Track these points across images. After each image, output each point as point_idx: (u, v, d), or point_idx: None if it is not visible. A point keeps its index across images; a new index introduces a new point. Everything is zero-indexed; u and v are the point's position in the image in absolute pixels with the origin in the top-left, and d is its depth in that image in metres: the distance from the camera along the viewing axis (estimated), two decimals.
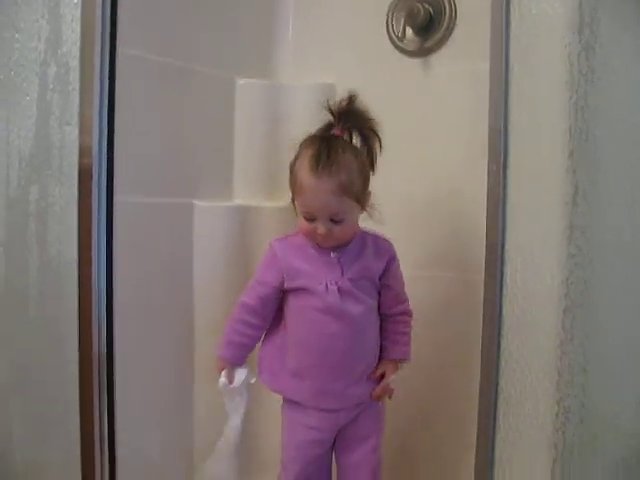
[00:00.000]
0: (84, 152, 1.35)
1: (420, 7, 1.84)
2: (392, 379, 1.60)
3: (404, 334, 1.63)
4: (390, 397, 1.63)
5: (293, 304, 1.57)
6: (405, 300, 1.64)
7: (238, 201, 2.05)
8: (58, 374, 1.41)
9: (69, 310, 1.36)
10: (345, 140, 1.54)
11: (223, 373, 1.59)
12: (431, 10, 1.85)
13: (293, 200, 1.53)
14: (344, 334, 1.52)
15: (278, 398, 1.66)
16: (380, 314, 1.62)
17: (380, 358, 1.63)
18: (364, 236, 1.58)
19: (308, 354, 1.55)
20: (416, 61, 1.91)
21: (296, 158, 1.52)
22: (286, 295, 1.59)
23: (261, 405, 1.83)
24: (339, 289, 1.52)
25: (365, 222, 1.57)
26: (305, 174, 1.47)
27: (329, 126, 1.56)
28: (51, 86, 1.37)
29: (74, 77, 1.33)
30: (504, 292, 1.28)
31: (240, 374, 1.60)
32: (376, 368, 1.61)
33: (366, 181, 1.53)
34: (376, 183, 1.56)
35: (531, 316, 1.25)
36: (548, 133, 1.21)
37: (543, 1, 1.22)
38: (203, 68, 1.96)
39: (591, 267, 1.20)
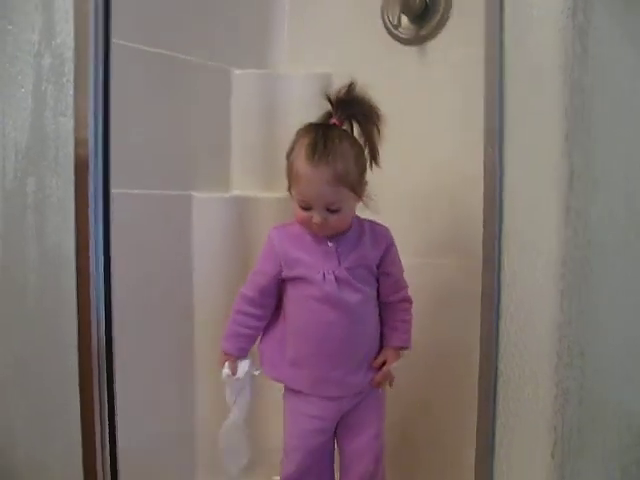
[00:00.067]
0: (80, 144, 1.34)
1: None
2: (394, 367, 1.60)
3: (403, 321, 1.64)
4: (391, 385, 1.64)
5: (291, 293, 1.58)
6: (404, 287, 1.64)
7: (236, 192, 2.06)
8: (57, 366, 1.41)
9: (68, 301, 1.36)
10: (342, 129, 1.55)
11: (226, 365, 1.61)
12: None
13: (289, 188, 1.53)
14: (342, 323, 1.53)
15: (279, 387, 1.66)
16: (379, 302, 1.62)
17: (381, 346, 1.63)
18: (362, 224, 1.58)
19: (306, 343, 1.56)
20: (412, 49, 1.91)
21: (292, 146, 1.52)
22: (284, 284, 1.60)
23: (262, 394, 1.83)
24: (336, 278, 1.52)
25: (361, 212, 1.58)
26: (301, 163, 1.47)
27: (328, 115, 1.56)
28: (46, 77, 1.37)
29: (69, 68, 1.32)
30: (502, 276, 1.27)
31: (243, 365, 1.62)
32: (377, 356, 1.62)
33: (363, 171, 1.54)
34: (374, 171, 1.56)
35: (529, 299, 1.24)
36: (543, 116, 1.21)
37: None
38: (199, 59, 1.97)
39: (588, 249, 1.20)
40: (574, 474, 1.22)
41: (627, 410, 1.27)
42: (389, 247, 1.59)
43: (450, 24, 1.82)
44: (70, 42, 1.32)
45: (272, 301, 1.63)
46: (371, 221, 1.60)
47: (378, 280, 1.61)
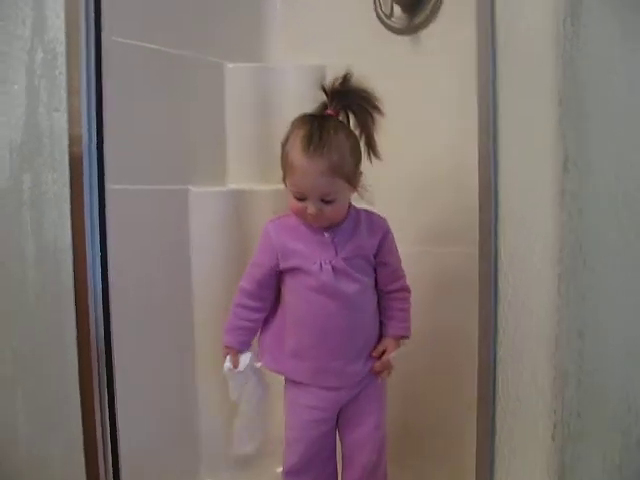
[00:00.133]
0: (74, 141, 1.35)
1: None
2: (393, 356, 1.61)
3: (402, 310, 1.64)
4: (388, 374, 1.63)
5: (289, 284, 1.58)
6: (402, 277, 1.65)
7: (232, 185, 2.06)
8: (57, 360, 1.41)
9: (66, 296, 1.37)
10: (337, 120, 1.55)
11: (227, 358, 1.61)
12: None
13: (284, 179, 1.53)
14: (340, 313, 1.53)
15: (281, 379, 1.66)
16: (378, 291, 1.63)
17: (381, 335, 1.64)
18: (358, 213, 1.59)
19: (306, 334, 1.57)
20: (405, 38, 1.91)
21: (288, 137, 1.52)
22: (282, 276, 1.60)
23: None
24: (333, 268, 1.53)
25: (357, 203, 1.58)
26: (297, 154, 1.47)
27: (323, 106, 1.56)
28: (38, 72, 1.37)
29: (61, 62, 1.33)
30: (499, 261, 1.28)
31: (244, 358, 1.62)
32: (377, 345, 1.62)
33: (358, 162, 1.54)
34: (368, 161, 1.56)
35: (526, 284, 1.25)
36: (537, 100, 1.21)
37: None
38: (193, 54, 1.97)
39: (584, 232, 1.20)
40: (574, 456, 1.23)
41: (627, 391, 1.27)
42: (386, 236, 1.59)
43: (442, 12, 1.82)
44: (62, 36, 1.32)
45: (271, 293, 1.63)
46: (367, 211, 1.60)
47: (376, 270, 1.61)
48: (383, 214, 1.62)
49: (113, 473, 1.42)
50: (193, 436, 1.99)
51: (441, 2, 1.82)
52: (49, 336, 1.43)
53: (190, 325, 1.97)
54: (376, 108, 1.55)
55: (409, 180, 1.85)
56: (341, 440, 1.67)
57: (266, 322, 1.66)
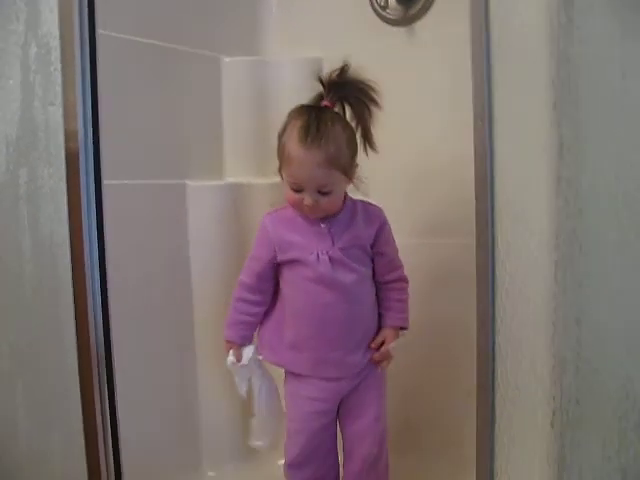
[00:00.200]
0: (70, 136, 1.35)
1: None
2: (392, 346, 1.61)
3: (399, 301, 1.64)
4: (388, 364, 1.63)
5: (287, 276, 1.59)
6: (399, 267, 1.65)
7: (230, 179, 2.06)
8: (56, 355, 1.42)
9: (64, 290, 1.37)
10: (334, 112, 1.55)
11: (230, 352, 1.62)
12: None
13: (280, 169, 1.53)
14: (338, 303, 1.54)
15: (281, 372, 1.67)
16: (375, 282, 1.63)
17: (380, 326, 1.64)
18: (354, 204, 1.59)
19: (305, 325, 1.57)
20: (401, 30, 1.91)
21: (284, 128, 1.52)
22: (280, 268, 1.60)
23: None
24: (330, 258, 1.53)
25: (352, 194, 1.58)
26: (294, 145, 1.47)
27: (319, 97, 1.56)
28: (33, 67, 1.37)
29: (55, 57, 1.33)
30: (496, 249, 1.27)
31: (247, 352, 1.62)
32: (376, 336, 1.62)
33: (354, 153, 1.54)
34: (363, 153, 1.56)
35: (523, 271, 1.24)
36: (531, 87, 1.21)
37: None
38: (188, 48, 1.97)
39: (580, 218, 1.20)
40: (574, 443, 1.23)
41: (625, 377, 1.27)
42: (382, 226, 1.59)
43: (437, 3, 1.82)
44: (55, 31, 1.32)
45: (270, 286, 1.64)
46: (364, 201, 1.60)
47: (373, 260, 1.61)
48: (379, 205, 1.62)
49: (114, 467, 1.42)
50: (195, 429, 2.00)
51: None
52: (46, 330, 1.43)
53: (190, 318, 1.98)
54: (373, 101, 1.55)
55: (404, 172, 1.86)
56: (342, 433, 1.67)
57: (265, 315, 1.66)
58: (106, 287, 1.39)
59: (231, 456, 2.01)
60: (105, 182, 1.38)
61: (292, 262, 1.56)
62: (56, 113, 1.35)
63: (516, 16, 1.22)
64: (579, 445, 1.24)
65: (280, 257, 1.57)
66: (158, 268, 1.89)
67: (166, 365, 1.91)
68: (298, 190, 1.50)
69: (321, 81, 1.55)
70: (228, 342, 1.64)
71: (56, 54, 1.33)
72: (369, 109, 1.56)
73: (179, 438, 1.95)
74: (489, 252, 1.28)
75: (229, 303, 1.67)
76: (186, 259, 1.97)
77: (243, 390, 1.64)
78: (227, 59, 2.08)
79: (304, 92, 1.59)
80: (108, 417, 1.40)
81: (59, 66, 1.33)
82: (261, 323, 1.66)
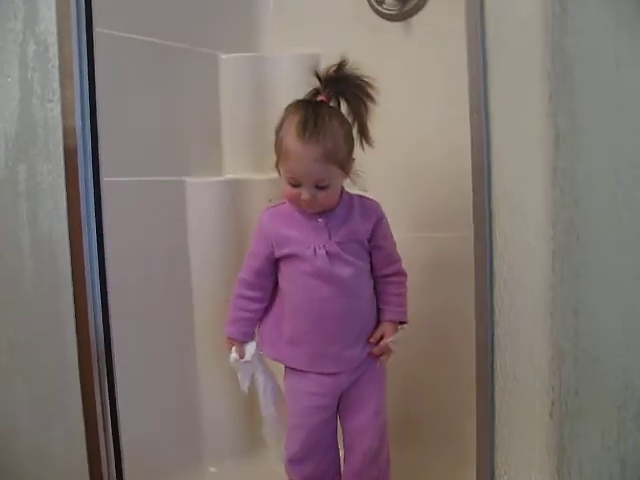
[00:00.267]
0: (68, 133, 1.36)
1: None
2: (391, 340, 1.61)
3: (397, 295, 1.64)
4: (388, 358, 1.64)
5: (285, 271, 1.59)
6: (397, 261, 1.65)
7: (229, 175, 2.07)
8: (57, 351, 1.42)
9: (64, 286, 1.38)
10: (331, 107, 1.55)
11: (233, 349, 1.62)
12: None
13: (277, 164, 1.54)
14: (335, 298, 1.54)
15: (281, 368, 1.67)
16: (373, 276, 1.63)
17: (379, 320, 1.64)
18: (351, 199, 1.59)
19: (302, 320, 1.57)
20: (397, 25, 1.91)
21: (282, 123, 1.53)
22: (278, 263, 1.61)
23: None
24: (327, 253, 1.53)
25: (349, 189, 1.59)
26: (291, 140, 1.48)
27: (315, 92, 1.57)
28: (31, 65, 1.38)
29: (53, 54, 1.34)
30: (493, 241, 1.28)
31: (250, 348, 1.63)
32: (375, 330, 1.62)
33: (351, 148, 1.55)
34: (361, 148, 1.57)
35: (521, 262, 1.25)
36: (527, 79, 1.21)
37: None
38: (186, 45, 1.97)
39: (576, 208, 1.20)
40: (573, 433, 1.23)
41: (623, 367, 1.27)
42: (379, 220, 1.60)
43: None
44: (53, 28, 1.33)
45: (269, 282, 1.64)
46: (361, 196, 1.61)
47: (371, 254, 1.61)
48: (376, 199, 1.62)
49: (115, 462, 1.42)
50: (195, 425, 2.00)
51: None
52: (46, 326, 1.44)
53: (190, 315, 1.98)
54: (369, 96, 1.56)
55: (400, 167, 1.87)
56: (342, 427, 1.67)
57: (265, 311, 1.67)
58: (105, 283, 1.39)
59: (232, 452, 2.02)
60: (104, 179, 1.39)
61: (289, 257, 1.57)
62: (54, 110, 1.35)
63: (511, 8, 1.23)
64: (578, 435, 1.24)
65: (277, 252, 1.58)
66: (158, 265, 1.89)
67: (166, 361, 1.91)
68: (295, 185, 1.50)
69: (318, 76, 1.55)
70: (230, 339, 1.65)
71: (54, 51, 1.34)
72: (365, 104, 1.56)
73: (180, 434, 1.96)
74: (487, 244, 1.29)
75: (229, 299, 1.68)
76: (186, 256, 1.97)
77: (245, 386, 1.65)
78: (224, 56, 2.08)
79: (302, 88, 1.59)
80: (109, 413, 1.41)
81: (57, 63, 1.34)
82: (261, 319, 1.66)
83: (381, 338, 1.61)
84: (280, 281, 1.62)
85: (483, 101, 1.27)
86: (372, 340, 1.60)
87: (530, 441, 1.26)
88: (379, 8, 1.93)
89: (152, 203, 1.88)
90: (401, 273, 1.65)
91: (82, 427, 1.40)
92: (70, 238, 1.37)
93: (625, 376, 1.27)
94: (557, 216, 1.20)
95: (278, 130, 1.53)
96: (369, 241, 1.59)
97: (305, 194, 1.49)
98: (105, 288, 1.40)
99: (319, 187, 1.49)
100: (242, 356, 1.63)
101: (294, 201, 1.53)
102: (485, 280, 1.29)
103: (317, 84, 1.57)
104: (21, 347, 1.49)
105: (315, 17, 2.08)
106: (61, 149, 1.36)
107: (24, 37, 1.38)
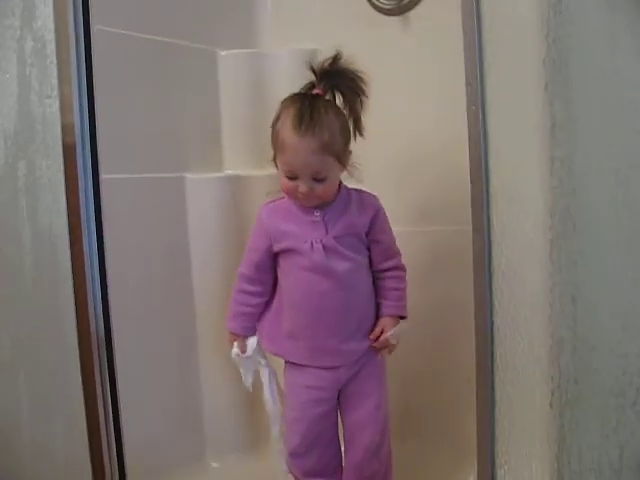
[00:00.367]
0: (66, 129, 1.36)
1: None
2: (391, 334, 1.60)
3: (396, 290, 1.64)
4: (390, 351, 1.64)
5: (284, 266, 1.60)
6: (395, 255, 1.65)
7: (229, 171, 2.07)
8: (57, 345, 1.43)
9: (64, 281, 1.38)
10: (327, 99, 1.56)
11: (235, 344, 1.63)
12: None
13: (274, 158, 1.54)
14: (333, 292, 1.54)
15: (281, 362, 1.67)
16: (372, 271, 1.63)
17: (378, 315, 1.64)
18: (349, 192, 1.60)
19: (301, 314, 1.58)
20: (395, 19, 1.92)
21: (278, 116, 1.53)
22: (277, 258, 1.61)
23: None
24: (324, 247, 1.53)
25: (346, 181, 1.59)
26: (288, 133, 1.48)
27: (311, 85, 1.57)
28: (29, 61, 1.39)
29: (51, 50, 1.34)
30: (492, 232, 1.28)
31: (252, 343, 1.63)
32: (375, 325, 1.62)
33: (347, 140, 1.55)
34: (360, 141, 1.57)
35: (519, 252, 1.25)
36: (523, 68, 1.22)
37: None
38: (184, 42, 1.98)
39: (574, 197, 1.21)
40: (572, 422, 1.23)
41: (621, 354, 1.27)
42: (377, 213, 1.59)
43: None
44: (50, 24, 1.33)
45: (269, 277, 1.65)
46: (358, 190, 1.61)
47: (369, 248, 1.61)
48: (374, 193, 1.62)
49: (117, 458, 1.42)
50: (198, 420, 2.01)
51: None
52: (47, 321, 1.44)
53: (191, 310, 1.98)
54: (362, 90, 1.56)
55: (397, 160, 1.88)
56: (342, 422, 1.67)
57: (265, 306, 1.67)
58: (105, 278, 1.40)
59: (234, 447, 2.02)
60: (104, 176, 1.39)
61: (287, 251, 1.57)
62: (53, 106, 1.36)
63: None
64: (578, 424, 1.24)
65: (276, 247, 1.58)
66: (158, 261, 1.90)
67: (168, 357, 1.92)
68: (292, 178, 1.50)
69: (313, 70, 1.55)
70: (231, 334, 1.65)
71: (51, 47, 1.35)
72: (360, 98, 1.56)
73: (182, 430, 1.96)
74: (485, 235, 1.29)
75: (230, 294, 1.68)
76: (186, 252, 1.97)
77: (249, 382, 1.65)
78: (223, 52, 2.08)
79: (301, 84, 1.60)
80: (110, 408, 1.41)
81: (55, 59, 1.34)
82: (261, 314, 1.67)
83: (381, 333, 1.61)
84: (279, 276, 1.63)
85: (480, 92, 1.27)
86: (372, 337, 1.60)
87: (530, 431, 1.27)
88: (376, 2, 1.93)
89: (152, 200, 1.89)
90: (400, 267, 1.65)
91: (83, 422, 1.40)
92: (70, 233, 1.37)
93: (623, 363, 1.27)
94: (555, 205, 1.20)
95: (274, 123, 1.54)
96: (367, 235, 1.59)
97: (302, 187, 1.49)
98: (105, 282, 1.40)
99: (316, 179, 1.49)
100: (244, 351, 1.63)
101: (291, 194, 1.53)
102: (484, 271, 1.30)
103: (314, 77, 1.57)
104: (22, 342, 1.50)
105: (313, 12, 2.09)
106: (60, 144, 1.36)
107: (22, 33, 1.39)
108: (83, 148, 1.36)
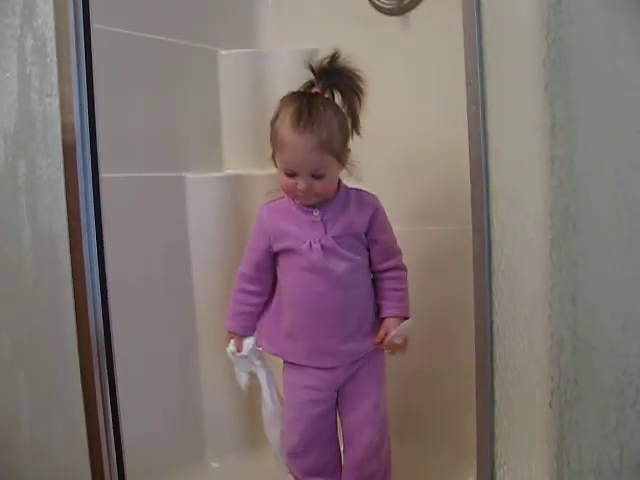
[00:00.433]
0: (66, 128, 1.36)
1: None
2: (394, 334, 1.58)
3: (395, 290, 1.63)
4: (404, 350, 1.62)
5: (283, 266, 1.60)
6: (395, 255, 1.64)
7: (229, 171, 2.08)
8: (57, 345, 1.43)
9: (64, 281, 1.38)
10: (325, 97, 1.56)
11: (231, 342, 1.63)
12: None
13: (273, 156, 1.54)
14: (331, 292, 1.54)
15: (280, 362, 1.67)
16: (372, 271, 1.63)
17: (378, 316, 1.64)
18: (348, 192, 1.59)
19: (301, 315, 1.58)
20: (395, 19, 1.92)
21: (277, 114, 1.54)
22: (277, 258, 1.61)
23: None
24: (322, 247, 1.53)
25: (345, 179, 1.59)
26: (286, 130, 1.48)
27: (310, 84, 1.57)
28: (29, 59, 1.39)
29: (51, 48, 1.34)
30: (492, 232, 1.28)
31: (248, 343, 1.63)
32: (374, 325, 1.62)
33: (346, 138, 1.55)
34: (360, 140, 1.57)
35: (519, 252, 1.25)
36: (523, 68, 1.22)
37: None
38: (185, 41, 1.98)
39: (574, 196, 1.20)
40: (572, 422, 1.23)
41: (621, 354, 1.27)
42: (375, 213, 1.59)
43: None
44: (50, 22, 1.33)
45: (269, 276, 1.65)
46: (358, 189, 1.61)
47: (369, 248, 1.61)
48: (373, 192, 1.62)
49: (117, 458, 1.42)
50: (198, 420, 2.01)
51: None
52: (47, 320, 1.44)
53: (191, 310, 1.99)
54: (360, 89, 1.56)
55: (397, 160, 1.88)
56: (341, 421, 1.67)
57: (265, 305, 1.67)
58: (105, 277, 1.40)
59: (234, 447, 2.02)
60: (104, 175, 1.39)
61: (286, 251, 1.57)
62: (53, 104, 1.36)
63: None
64: (577, 424, 1.24)
65: (275, 246, 1.59)
66: (158, 261, 1.90)
67: (168, 357, 1.92)
68: (292, 175, 1.50)
69: (312, 68, 1.56)
70: (230, 332, 1.65)
71: (52, 46, 1.35)
72: (359, 96, 1.57)
73: (182, 430, 1.96)
74: (485, 235, 1.29)
75: (230, 294, 1.68)
76: (186, 252, 1.98)
77: (243, 382, 1.65)
78: (224, 52, 2.09)
79: (301, 83, 1.60)
80: (109, 407, 1.41)
81: (55, 58, 1.34)
82: (260, 313, 1.67)
83: (386, 335, 1.60)
84: (278, 275, 1.63)
85: (480, 92, 1.27)
86: (377, 340, 1.59)
87: (530, 431, 1.26)
88: (377, 2, 1.94)
89: (152, 199, 1.89)
90: (400, 267, 1.64)
91: (82, 422, 1.40)
92: (70, 232, 1.37)
93: (623, 363, 1.27)
94: (555, 205, 1.20)
95: (273, 122, 1.54)
96: (366, 235, 1.59)
97: (301, 184, 1.50)
98: (105, 282, 1.40)
99: (315, 176, 1.49)
100: (240, 350, 1.63)
101: (290, 192, 1.53)
102: (484, 270, 1.30)
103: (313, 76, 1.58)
104: (22, 342, 1.50)
105: (314, 12, 2.10)
106: (60, 144, 1.36)
107: (22, 31, 1.39)
108: (83, 147, 1.36)
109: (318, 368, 1.59)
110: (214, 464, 2.01)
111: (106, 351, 1.40)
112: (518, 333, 1.26)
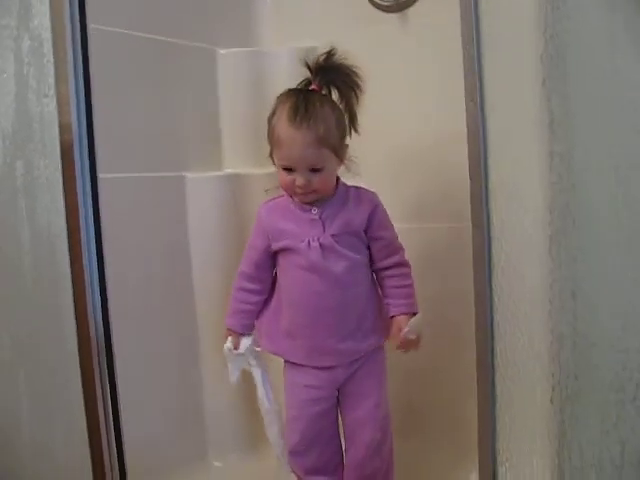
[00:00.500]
0: (64, 129, 1.36)
1: None
2: (407, 330, 1.56)
3: (398, 287, 1.62)
4: (417, 346, 1.61)
5: (282, 264, 1.60)
6: (397, 252, 1.63)
7: (229, 170, 2.07)
8: (57, 345, 1.43)
9: (64, 281, 1.38)
10: (322, 94, 1.56)
11: (229, 339, 1.63)
12: None
13: (271, 153, 1.54)
14: (330, 291, 1.54)
15: (281, 362, 1.67)
16: (374, 270, 1.62)
17: (380, 314, 1.63)
18: (347, 189, 1.59)
19: (300, 314, 1.58)
20: (394, 16, 1.92)
21: (274, 111, 1.54)
22: (276, 256, 1.61)
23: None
24: (321, 245, 1.53)
25: (344, 176, 1.59)
26: (283, 126, 1.49)
27: (307, 81, 1.58)
28: (26, 60, 1.39)
29: (48, 49, 1.34)
30: (491, 228, 1.28)
31: (245, 341, 1.63)
32: (373, 324, 1.61)
33: (343, 134, 1.55)
34: (358, 137, 1.58)
35: (519, 248, 1.25)
36: (520, 64, 1.21)
37: None
38: (183, 41, 1.98)
39: (573, 192, 1.20)
40: (573, 418, 1.23)
41: (621, 350, 1.27)
42: (375, 209, 1.58)
43: None
44: (47, 22, 1.33)
45: (268, 275, 1.65)
46: (357, 187, 1.61)
47: (370, 246, 1.61)
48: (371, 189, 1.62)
49: (118, 457, 1.42)
50: (200, 419, 2.01)
51: None
52: (47, 321, 1.44)
53: (191, 310, 1.99)
54: (358, 85, 1.56)
55: (395, 157, 1.88)
56: (342, 419, 1.67)
57: (264, 304, 1.67)
58: (104, 277, 1.40)
59: (236, 446, 2.02)
60: (103, 176, 1.39)
61: (285, 250, 1.57)
62: (50, 104, 1.36)
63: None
64: (578, 420, 1.24)
65: (274, 245, 1.59)
66: (158, 261, 1.90)
67: (169, 357, 1.92)
68: (290, 171, 1.50)
69: (308, 66, 1.56)
70: (229, 330, 1.66)
71: (48, 46, 1.34)
72: (356, 93, 1.57)
73: (184, 429, 1.96)
74: (484, 231, 1.29)
75: (230, 293, 1.68)
76: (186, 251, 1.98)
77: (233, 378, 1.65)
78: (223, 51, 2.09)
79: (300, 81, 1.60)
80: (110, 407, 1.41)
81: (52, 58, 1.34)
82: (260, 312, 1.67)
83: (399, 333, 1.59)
84: (278, 274, 1.63)
85: (478, 88, 1.27)
86: (393, 339, 1.59)
87: (531, 427, 1.26)
88: (375, 0, 1.93)
89: (152, 199, 1.89)
90: (403, 264, 1.63)
91: (83, 422, 1.40)
92: (68, 232, 1.37)
93: (623, 358, 1.27)
94: (554, 201, 1.19)
95: (270, 119, 1.55)
96: (366, 232, 1.58)
97: (299, 179, 1.50)
98: (104, 281, 1.40)
99: (313, 170, 1.49)
100: (237, 347, 1.63)
101: (289, 189, 1.54)
102: (483, 267, 1.29)
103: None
104: (22, 341, 1.50)
105: (313, 11, 2.10)
106: (57, 144, 1.36)
107: (19, 32, 1.39)
108: (81, 147, 1.35)
109: (317, 367, 1.59)
110: (216, 463, 2.02)
111: (106, 351, 1.40)
112: (518, 329, 1.26)
